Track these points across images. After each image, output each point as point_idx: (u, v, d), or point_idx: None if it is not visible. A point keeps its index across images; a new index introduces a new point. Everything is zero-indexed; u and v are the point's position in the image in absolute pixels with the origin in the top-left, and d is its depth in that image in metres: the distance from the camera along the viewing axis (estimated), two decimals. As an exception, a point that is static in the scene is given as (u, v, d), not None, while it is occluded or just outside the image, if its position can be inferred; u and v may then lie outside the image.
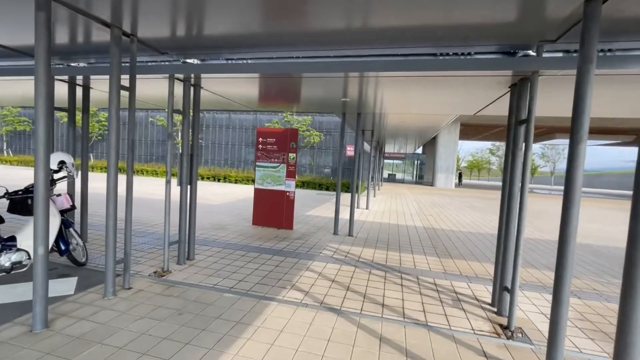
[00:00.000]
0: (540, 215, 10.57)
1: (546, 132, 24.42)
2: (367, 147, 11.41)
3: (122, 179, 2.94)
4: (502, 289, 2.89)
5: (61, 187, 3.79)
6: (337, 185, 5.94)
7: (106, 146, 4.63)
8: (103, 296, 2.76)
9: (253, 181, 18.58)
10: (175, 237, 3.94)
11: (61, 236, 3.20)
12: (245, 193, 12.08)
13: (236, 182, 16.53)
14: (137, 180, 14.93)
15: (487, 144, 60.34)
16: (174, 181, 3.92)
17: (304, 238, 5.38)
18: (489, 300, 3.19)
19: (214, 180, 16.95)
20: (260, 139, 6.15)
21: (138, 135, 20.73)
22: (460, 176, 28.71)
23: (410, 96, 4.07)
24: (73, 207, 3.43)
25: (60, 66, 3.78)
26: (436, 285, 3.54)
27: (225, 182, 16.73)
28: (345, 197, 12.52)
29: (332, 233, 5.91)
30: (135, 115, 3.25)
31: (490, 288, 3.48)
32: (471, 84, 3.21)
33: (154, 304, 2.69)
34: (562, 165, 54.37)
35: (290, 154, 5.99)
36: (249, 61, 3.25)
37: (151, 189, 11.30)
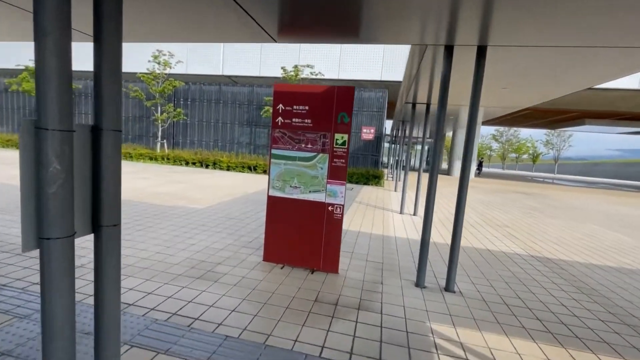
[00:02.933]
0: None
1: (577, 117, 22.07)
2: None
3: None
4: None
5: None
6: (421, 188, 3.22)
7: None
8: None
9: (250, 168, 15.63)
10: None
11: None
12: (242, 186, 9.25)
13: (229, 169, 13.63)
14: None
15: (491, 129, 58.04)
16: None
17: (369, 302, 2.70)
18: None
19: (201, 166, 13.99)
20: (281, 107, 3.32)
21: (110, 110, 17.36)
22: (480, 165, 26.25)
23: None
24: None
25: None
26: None
27: (214, 168, 13.80)
28: (370, 192, 9.84)
29: (412, 283, 3.24)
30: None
31: None
32: None
33: None
34: (567, 153, 52.77)
35: (337, 136, 3.20)
36: None
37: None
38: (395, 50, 14.82)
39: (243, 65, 16.54)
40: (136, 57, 16.22)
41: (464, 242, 4.95)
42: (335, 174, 3.23)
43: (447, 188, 13.30)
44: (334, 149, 3.21)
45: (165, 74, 15.12)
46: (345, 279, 3.21)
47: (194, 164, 14.01)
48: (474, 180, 19.57)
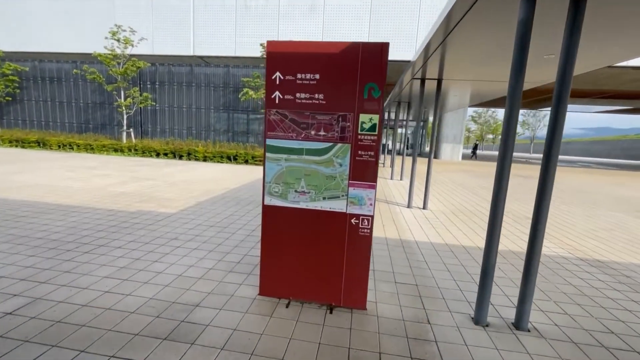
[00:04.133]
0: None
1: (560, 96, 21.94)
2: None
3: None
4: None
5: None
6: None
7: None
8: None
9: (230, 158, 14.10)
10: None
11: None
12: (222, 181, 8.10)
13: (205, 159, 12.31)
14: (58, 157, 10.30)
15: (470, 111, 58.48)
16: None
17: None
18: None
19: (174, 157, 12.58)
20: (279, 75, 2.25)
21: (65, 96, 15.38)
22: (475, 147, 25.77)
23: None
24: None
25: None
26: None
27: (189, 159, 12.44)
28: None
29: (468, 318, 2.37)
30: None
31: None
32: None
33: None
34: (542, 132, 54.15)
35: (364, 117, 2.20)
36: None
37: (75, 176, 7.00)
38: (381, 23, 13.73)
39: (216, 44, 14.95)
40: (89, 35, 14.24)
41: (507, 245, 4.16)
42: (361, 172, 2.25)
43: (442, 174, 12.66)
44: (359, 137, 2.22)
45: (128, 54, 13.32)
46: (378, 319, 2.30)
47: (165, 155, 12.56)
48: (465, 164, 19.19)
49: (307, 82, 2.22)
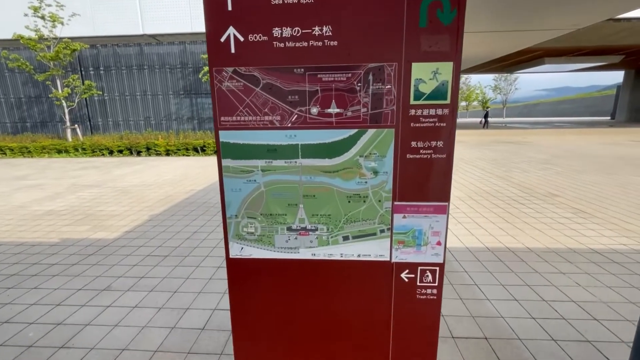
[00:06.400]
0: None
1: (538, 56, 21.50)
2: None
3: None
4: None
5: None
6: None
7: None
8: None
9: (197, 150, 12.26)
10: None
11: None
12: (186, 180, 6.74)
13: (168, 153, 10.73)
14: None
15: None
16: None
17: None
18: None
19: (131, 153, 10.88)
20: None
21: (-10, 91, 12.97)
22: (486, 115, 24.77)
23: None
24: None
25: None
26: None
27: (149, 154, 10.81)
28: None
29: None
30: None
31: None
32: None
33: None
34: (514, 95, 54.86)
35: (419, 69, 1.05)
36: None
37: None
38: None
39: (169, 19, 12.92)
40: (6, 15, 11.77)
41: (534, 235, 3.24)
42: (420, 182, 1.12)
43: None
44: (412, 112, 1.07)
45: (59, 36, 11.13)
46: None
47: (120, 152, 10.84)
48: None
49: (296, 1, 1.02)
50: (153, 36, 13.43)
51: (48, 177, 7.23)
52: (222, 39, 1.06)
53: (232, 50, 1.06)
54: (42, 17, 10.58)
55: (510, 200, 4.55)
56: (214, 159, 9.73)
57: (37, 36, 10.67)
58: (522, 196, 4.80)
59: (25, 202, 5.01)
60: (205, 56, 11.75)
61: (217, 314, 2.11)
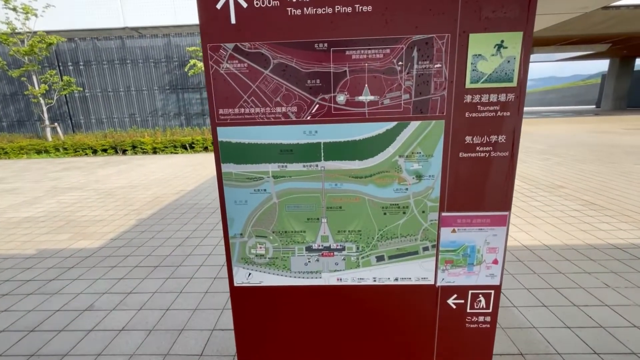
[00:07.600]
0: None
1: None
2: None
3: None
4: None
5: None
6: None
7: None
8: None
9: (185, 147, 11.81)
10: None
11: None
12: (175, 179, 6.40)
13: (155, 151, 10.29)
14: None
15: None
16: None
17: None
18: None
19: (116, 152, 10.40)
20: None
21: (-39, 89, 12.21)
22: None
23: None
24: None
25: None
26: None
27: (135, 153, 10.35)
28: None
29: None
30: None
31: None
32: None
33: None
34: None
35: (477, 42, 0.81)
36: None
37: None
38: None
39: (152, 11, 12.34)
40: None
41: (548, 230, 3.08)
42: (474, 187, 0.89)
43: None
44: (468, 98, 0.83)
45: (32, 30, 10.48)
46: None
47: (104, 151, 10.34)
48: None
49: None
50: (135, 29, 12.84)
51: (26, 179, 6.78)
52: (219, 5, 0.79)
53: (233, 20, 0.80)
54: (14, 9, 9.91)
55: (517, 193, 4.40)
56: (204, 156, 9.35)
57: (9, 29, 10.01)
58: (527, 188, 4.65)
59: (0, 208, 4.63)
60: (192, 49, 11.39)
61: (216, 335, 1.86)
